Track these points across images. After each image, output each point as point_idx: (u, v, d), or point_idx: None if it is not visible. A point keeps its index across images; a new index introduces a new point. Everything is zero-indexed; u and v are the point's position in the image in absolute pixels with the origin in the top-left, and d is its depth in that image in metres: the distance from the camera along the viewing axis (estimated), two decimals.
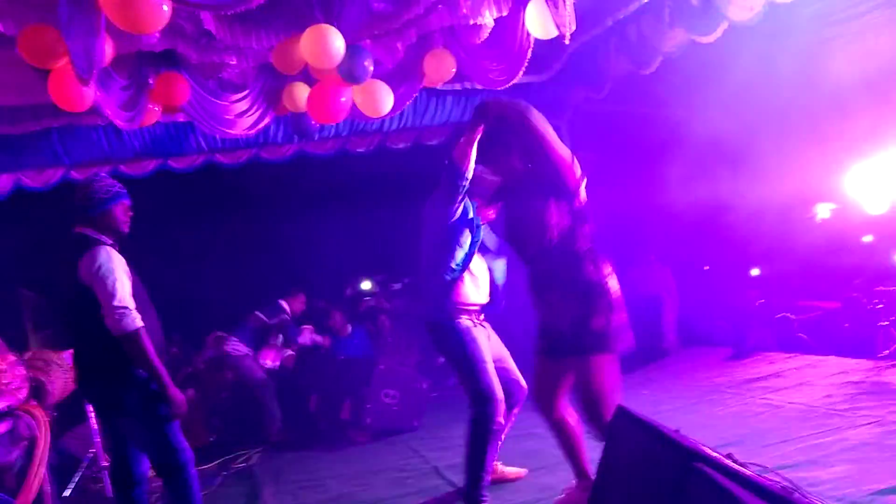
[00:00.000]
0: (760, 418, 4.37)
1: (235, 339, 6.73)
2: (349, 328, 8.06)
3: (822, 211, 8.33)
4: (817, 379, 5.08)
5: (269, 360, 6.88)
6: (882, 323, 5.76)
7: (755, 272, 8.81)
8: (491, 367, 3.70)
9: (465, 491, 3.62)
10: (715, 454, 2.28)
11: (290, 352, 7.40)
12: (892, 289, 6.31)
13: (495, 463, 3.82)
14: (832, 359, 5.64)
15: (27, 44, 4.11)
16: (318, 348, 7.48)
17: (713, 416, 4.67)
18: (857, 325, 6.50)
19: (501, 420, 3.63)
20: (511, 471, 4.03)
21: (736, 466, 2.20)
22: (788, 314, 6.90)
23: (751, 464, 2.84)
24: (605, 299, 3.15)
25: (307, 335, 6.89)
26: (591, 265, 3.19)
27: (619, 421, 2.86)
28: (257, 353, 6.78)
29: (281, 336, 6.99)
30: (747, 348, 6.39)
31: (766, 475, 2.63)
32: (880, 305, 5.86)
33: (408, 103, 5.73)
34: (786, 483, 2.74)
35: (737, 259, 8.44)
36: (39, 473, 3.27)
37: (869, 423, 3.81)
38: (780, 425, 4.11)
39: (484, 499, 3.57)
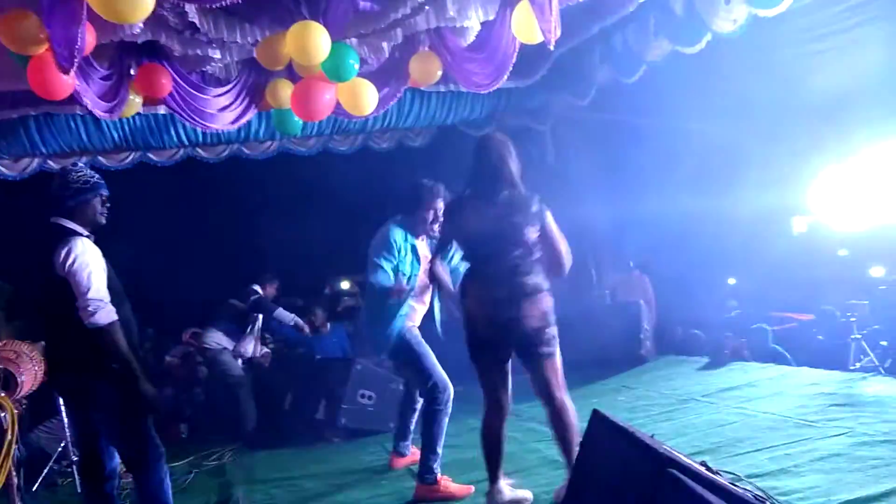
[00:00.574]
0: (734, 427, 4.41)
1: (214, 331, 6.64)
2: (328, 326, 8.03)
3: (799, 224, 8.44)
4: (790, 389, 5.13)
5: (249, 350, 6.79)
6: (854, 336, 5.83)
7: (732, 282, 8.91)
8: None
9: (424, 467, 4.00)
10: (689, 461, 2.30)
11: (266, 349, 7.35)
12: (865, 302, 6.41)
13: (444, 478, 4.06)
14: (805, 370, 5.70)
15: (7, 30, 4.04)
16: (297, 336, 7.41)
17: (688, 423, 4.70)
18: (830, 337, 6.58)
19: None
20: (457, 486, 4.03)
21: (709, 474, 2.22)
22: (764, 325, 6.98)
23: (724, 472, 2.87)
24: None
25: (285, 314, 6.77)
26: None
27: (595, 426, 2.87)
28: (236, 345, 6.67)
29: (259, 319, 6.88)
30: (723, 358, 6.44)
31: (738, 483, 2.66)
32: (853, 318, 5.93)
33: (392, 103, 5.72)
34: (757, 492, 2.77)
35: (714, 269, 8.53)
36: (6, 466, 3.21)
37: (840, 434, 3.85)
38: (753, 434, 4.14)
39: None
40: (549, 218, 3.49)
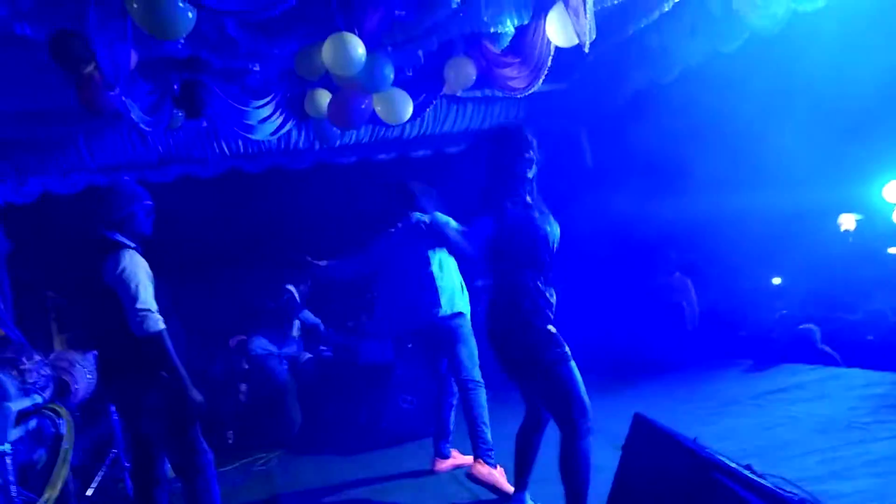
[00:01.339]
0: (781, 430, 4.32)
1: (259, 337, 6.79)
2: None
3: (848, 221, 8.24)
4: (840, 391, 5.01)
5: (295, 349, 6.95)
6: None
7: (777, 282, 8.74)
8: None
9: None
10: (733, 465, 2.27)
11: (308, 354, 7.44)
12: None
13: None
14: (855, 371, 5.56)
15: (56, 48, 4.19)
16: (347, 341, 7.56)
17: (733, 426, 4.62)
18: (880, 337, 6.41)
19: None
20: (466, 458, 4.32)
21: (754, 477, 2.19)
22: (811, 325, 6.82)
23: (770, 475, 2.82)
24: None
25: (310, 316, 6.98)
26: None
27: (637, 429, 2.85)
28: (281, 349, 6.83)
29: (296, 322, 7.00)
30: (769, 359, 6.32)
31: (785, 487, 2.61)
32: None
33: (428, 110, 5.76)
34: (805, 495, 2.71)
35: (759, 269, 8.37)
36: (64, 472, 3.31)
37: (892, 437, 3.75)
38: (801, 437, 4.06)
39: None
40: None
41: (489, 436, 4.28)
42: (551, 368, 3.09)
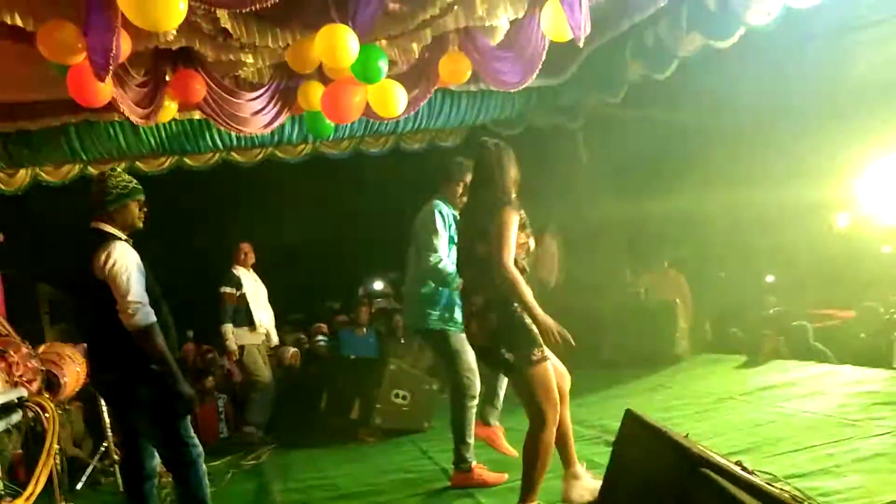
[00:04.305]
0: (772, 426, 4.32)
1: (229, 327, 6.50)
2: (364, 330, 8.14)
3: (841, 219, 8.27)
4: (831, 388, 5.02)
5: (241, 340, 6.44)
6: None
7: (770, 279, 8.76)
8: None
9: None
10: (723, 461, 2.27)
11: (293, 349, 7.43)
12: None
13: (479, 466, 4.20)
14: (847, 368, 5.57)
15: (46, 40, 4.15)
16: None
17: (725, 423, 4.62)
18: (872, 334, 6.44)
19: None
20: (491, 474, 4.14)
21: (744, 474, 2.18)
22: (803, 322, 6.84)
23: (761, 472, 2.82)
24: None
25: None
26: None
27: (628, 426, 2.85)
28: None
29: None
30: (761, 356, 6.34)
31: (775, 484, 2.61)
32: None
33: (422, 104, 5.73)
34: (796, 492, 2.72)
35: (752, 266, 8.40)
36: (48, 465, 3.29)
37: (883, 434, 3.75)
38: (792, 434, 4.06)
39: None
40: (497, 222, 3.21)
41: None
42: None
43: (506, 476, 4.03)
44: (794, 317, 7.12)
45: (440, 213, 4.20)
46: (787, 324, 6.91)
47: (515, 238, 3.18)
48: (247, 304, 6.46)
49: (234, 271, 6.55)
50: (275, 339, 6.85)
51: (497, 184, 3.33)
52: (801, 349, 6.45)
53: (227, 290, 6.44)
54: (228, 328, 6.35)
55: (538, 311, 3.10)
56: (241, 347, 6.41)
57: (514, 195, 3.34)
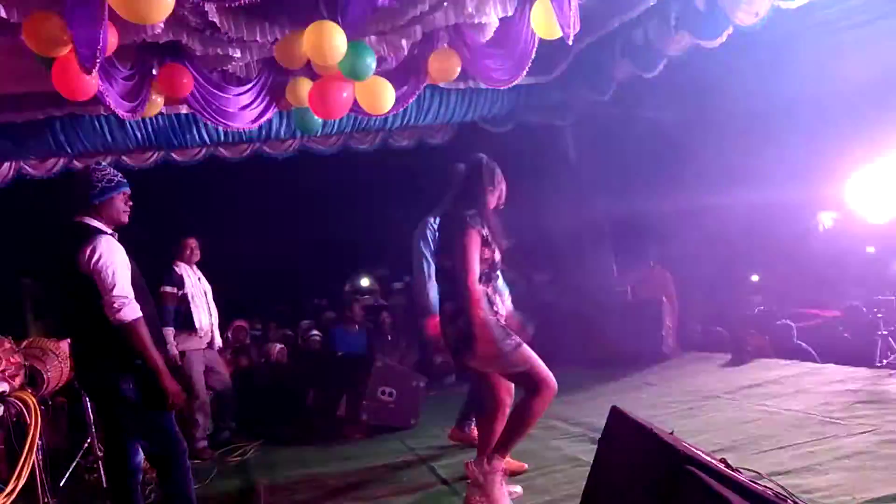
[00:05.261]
0: (757, 424, 4.36)
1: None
2: (356, 327, 8.15)
3: (825, 219, 8.33)
4: (815, 386, 5.06)
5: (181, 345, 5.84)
6: (881, 332, 5.74)
7: (755, 278, 8.82)
8: None
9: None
10: (708, 458, 2.28)
11: (279, 346, 7.41)
12: (891, 298, 6.31)
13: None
14: (830, 367, 5.62)
15: (32, 32, 4.11)
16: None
17: (710, 421, 4.65)
18: (856, 333, 6.49)
19: None
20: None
21: (728, 471, 2.20)
22: (788, 321, 6.89)
23: (745, 469, 2.84)
24: None
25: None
26: None
27: (614, 422, 2.85)
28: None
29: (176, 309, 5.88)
30: (746, 355, 6.38)
31: (759, 481, 2.62)
32: (880, 315, 5.84)
33: (411, 101, 5.72)
34: (779, 489, 2.73)
35: (737, 265, 8.44)
36: (30, 461, 3.26)
37: (865, 432, 3.79)
38: (776, 432, 4.09)
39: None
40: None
41: None
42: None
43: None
44: (778, 316, 7.17)
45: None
46: (772, 323, 6.97)
47: (478, 255, 3.36)
48: (187, 304, 5.81)
49: (176, 268, 5.90)
50: (218, 342, 6.16)
51: (477, 199, 3.50)
52: (785, 348, 6.50)
53: (168, 289, 5.78)
54: (169, 332, 5.56)
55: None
56: (181, 353, 5.77)
57: (491, 208, 3.54)
